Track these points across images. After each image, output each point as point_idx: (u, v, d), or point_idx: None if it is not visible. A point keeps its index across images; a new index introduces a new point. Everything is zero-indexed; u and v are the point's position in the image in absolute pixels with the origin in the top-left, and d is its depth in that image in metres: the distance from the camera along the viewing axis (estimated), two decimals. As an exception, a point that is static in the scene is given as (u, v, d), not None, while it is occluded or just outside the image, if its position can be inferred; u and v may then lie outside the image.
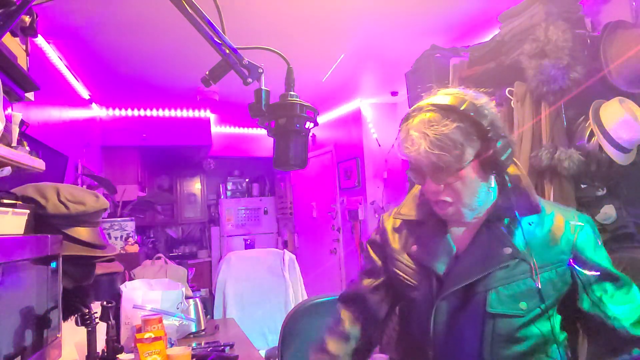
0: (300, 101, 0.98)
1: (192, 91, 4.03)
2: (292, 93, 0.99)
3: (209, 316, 2.53)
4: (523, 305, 0.96)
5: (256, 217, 6.31)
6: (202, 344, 2.05)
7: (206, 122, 5.14)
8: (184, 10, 0.94)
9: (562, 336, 1.03)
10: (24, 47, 1.38)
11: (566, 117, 2.00)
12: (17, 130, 1.38)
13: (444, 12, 2.68)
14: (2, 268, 0.90)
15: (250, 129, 5.81)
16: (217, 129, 5.55)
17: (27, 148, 1.39)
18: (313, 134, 5.42)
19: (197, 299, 2.38)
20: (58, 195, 1.31)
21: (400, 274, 1.11)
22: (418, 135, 0.95)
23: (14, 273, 0.97)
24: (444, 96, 0.99)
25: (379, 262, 1.19)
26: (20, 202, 1.19)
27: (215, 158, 6.08)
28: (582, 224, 1.02)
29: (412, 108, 1.02)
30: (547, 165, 1.91)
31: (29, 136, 2.03)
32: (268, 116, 0.99)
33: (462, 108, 0.95)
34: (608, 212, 1.88)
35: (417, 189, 1.17)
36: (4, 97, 1.17)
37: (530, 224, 1.01)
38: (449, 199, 0.99)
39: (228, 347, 2.00)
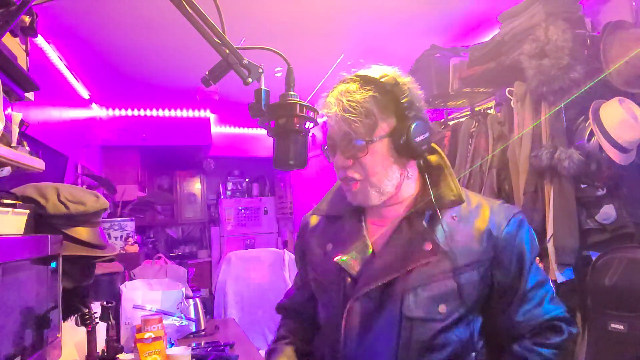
0: (300, 101, 0.98)
1: (192, 91, 4.03)
2: (292, 93, 0.99)
3: (209, 316, 2.53)
4: (442, 308, 0.88)
5: (256, 217, 6.31)
6: (202, 344, 2.05)
7: (206, 122, 5.14)
8: (184, 10, 0.94)
9: (479, 344, 0.94)
10: (24, 47, 1.38)
11: (566, 117, 2.00)
12: (17, 130, 1.38)
13: (444, 12, 2.68)
14: (2, 268, 0.90)
15: (250, 129, 5.81)
16: (217, 129, 5.55)
17: (27, 148, 1.39)
18: (313, 134, 5.42)
19: (197, 299, 2.38)
20: (58, 195, 1.31)
21: (316, 275, 1.04)
22: (333, 102, 0.91)
23: (14, 273, 0.97)
24: (369, 69, 0.95)
25: (303, 267, 1.13)
26: (20, 202, 1.19)
27: (215, 158, 6.08)
28: (508, 220, 0.94)
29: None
30: (547, 165, 1.91)
31: (29, 136, 2.03)
32: (268, 116, 0.99)
33: (381, 80, 0.91)
34: (608, 212, 1.88)
35: (338, 184, 1.10)
36: (4, 97, 1.17)
37: (453, 218, 0.94)
38: (356, 175, 0.92)
39: (228, 347, 2.00)
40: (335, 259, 0.97)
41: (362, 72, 0.95)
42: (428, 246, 0.90)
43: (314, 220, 1.12)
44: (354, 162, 0.93)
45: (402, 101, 0.91)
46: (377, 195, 0.94)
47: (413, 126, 0.90)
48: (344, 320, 0.93)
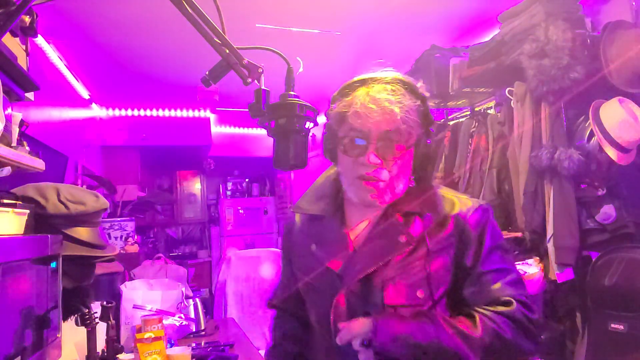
0: (300, 101, 0.98)
1: (192, 91, 4.03)
2: (292, 93, 0.99)
3: (209, 316, 2.53)
4: (420, 293, 0.93)
5: (256, 217, 6.31)
6: (202, 344, 2.05)
7: (206, 122, 5.14)
8: (184, 10, 0.94)
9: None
10: (24, 47, 1.38)
11: (566, 117, 2.00)
12: (17, 130, 1.38)
13: (444, 12, 2.68)
14: (2, 268, 0.90)
15: (250, 129, 5.81)
16: (217, 129, 5.54)
17: (27, 148, 1.39)
18: (313, 134, 5.41)
19: (197, 299, 2.38)
20: (58, 195, 1.31)
21: (302, 275, 1.07)
22: (385, 98, 0.92)
23: (14, 273, 0.97)
24: (398, 73, 0.99)
25: (288, 267, 1.16)
26: (20, 202, 1.19)
27: (215, 158, 6.08)
28: (475, 208, 0.99)
29: (362, 77, 0.99)
30: (547, 165, 1.91)
31: (29, 136, 2.03)
32: (268, 116, 0.99)
33: (421, 93, 0.97)
34: (608, 212, 1.88)
35: (319, 181, 1.14)
36: (4, 97, 1.17)
37: (425, 211, 0.99)
38: (384, 175, 0.94)
39: (228, 347, 2.00)
40: (320, 260, 1.01)
41: (395, 75, 0.97)
42: (403, 238, 0.95)
43: (298, 220, 1.15)
44: (385, 164, 0.94)
45: (429, 114, 0.98)
46: (390, 198, 0.98)
47: (430, 139, 0.98)
48: (332, 316, 0.97)
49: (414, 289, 0.93)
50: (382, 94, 0.93)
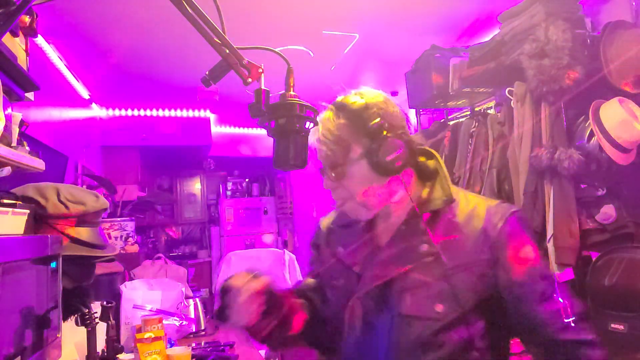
0: (300, 101, 0.98)
1: (192, 91, 4.03)
2: (292, 93, 0.99)
3: (209, 316, 2.53)
4: (439, 307, 0.89)
5: (256, 217, 6.31)
6: (202, 344, 2.05)
7: (206, 122, 5.13)
8: (184, 10, 0.94)
9: (482, 344, 0.92)
10: (24, 47, 1.38)
11: (566, 117, 2.00)
12: (17, 130, 1.38)
13: (444, 12, 2.68)
14: (2, 268, 0.90)
15: (250, 129, 5.81)
16: (217, 129, 5.54)
17: (27, 148, 1.39)
18: (313, 134, 5.40)
19: (197, 299, 2.38)
20: (58, 195, 1.31)
21: (329, 277, 1.09)
22: (314, 130, 0.97)
23: (14, 273, 0.97)
24: (348, 95, 1.00)
25: (317, 266, 1.17)
26: (20, 202, 1.19)
27: (215, 158, 6.08)
28: (505, 219, 0.93)
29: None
30: (547, 165, 1.91)
31: (29, 136, 2.03)
32: (268, 116, 0.99)
33: (352, 106, 0.97)
34: (608, 212, 1.88)
35: None
36: (4, 97, 1.17)
37: (451, 219, 0.96)
38: (341, 197, 0.99)
39: (228, 347, 2.00)
40: (345, 262, 1.03)
41: (339, 99, 1.00)
42: (424, 247, 0.93)
43: (327, 223, 1.18)
44: (337, 185, 0.98)
45: (372, 123, 0.95)
46: (366, 211, 0.99)
47: (381, 147, 0.94)
48: (346, 318, 0.98)
49: (433, 302, 0.90)
50: (316, 124, 0.98)
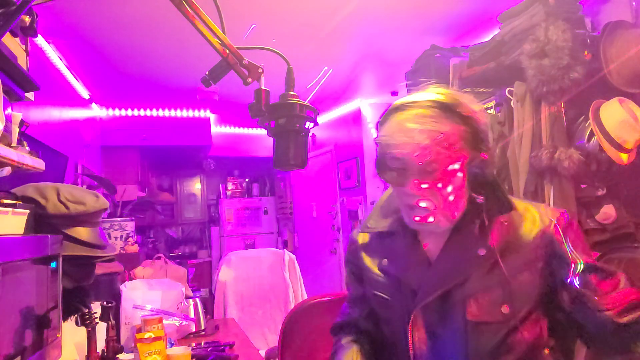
0: (300, 101, 0.98)
1: (192, 91, 4.03)
2: (292, 93, 0.99)
3: (209, 316, 2.53)
4: (505, 309, 0.89)
5: (256, 217, 6.31)
6: (202, 344, 2.05)
7: (206, 122, 5.13)
8: (184, 10, 0.94)
9: (551, 341, 0.94)
10: (24, 47, 1.37)
11: (566, 117, 2.00)
12: (17, 130, 1.38)
13: (444, 12, 2.68)
14: (2, 268, 0.90)
15: (250, 129, 5.81)
16: (217, 129, 5.55)
17: (27, 148, 1.39)
18: (313, 134, 5.42)
19: (197, 299, 2.38)
20: (58, 195, 1.31)
21: (375, 291, 1.05)
22: (416, 128, 0.89)
23: (14, 273, 0.97)
24: (439, 94, 0.93)
25: (359, 285, 1.13)
26: (20, 202, 1.19)
27: (215, 158, 6.08)
28: (557, 217, 0.96)
29: (400, 101, 0.95)
30: (547, 165, 1.91)
31: (29, 136, 2.03)
32: (268, 116, 0.99)
33: (458, 109, 0.91)
34: (608, 212, 1.88)
35: (383, 199, 1.12)
36: (4, 97, 1.17)
37: (503, 223, 0.95)
38: (430, 204, 0.91)
39: (228, 347, 2.00)
40: (395, 275, 1.00)
41: (434, 97, 0.92)
42: (482, 251, 0.92)
43: (363, 237, 1.13)
44: (427, 192, 0.91)
45: (477, 132, 0.92)
46: (446, 223, 0.94)
47: (487, 157, 0.93)
48: (410, 333, 0.95)
49: (498, 304, 0.90)
50: (411, 122, 0.90)
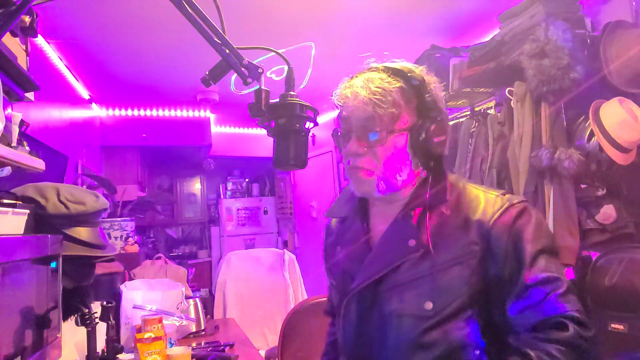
0: (300, 101, 0.98)
1: (192, 91, 4.02)
2: (292, 93, 0.99)
3: (209, 316, 2.53)
4: (429, 305, 0.84)
5: (256, 217, 6.31)
6: (202, 344, 2.05)
7: (206, 122, 5.14)
8: (184, 10, 0.94)
9: (482, 341, 0.86)
10: (24, 47, 1.38)
11: (566, 117, 2.00)
12: (17, 130, 1.38)
13: (444, 12, 2.68)
14: (2, 268, 0.90)
15: (250, 129, 5.81)
16: (217, 129, 5.55)
17: (27, 148, 1.39)
18: (313, 134, 5.41)
19: (197, 299, 2.38)
20: (58, 195, 1.31)
21: (330, 277, 1.07)
22: (360, 85, 0.90)
23: (14, 273, 0.97)
24: (395, 62, 0.95)
25: (329, 276, 1.14)
26: (20, 202, 1.19)
27: (215, 158, 6.08)
28: (503, 209, 0.87)
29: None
30: (547, 165, 1.91)
31: (29, 136, 2.03)
32: (268, 116, 0.99)
33: (409, 74, 0.92)
34: (608, 212, 1.88)
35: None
36: (4, 97, 1.17)
37: (444, 211, 0.90)
38: (368, 164, 0.91)
39: (228, 347, 2.00)
40: (342, 263, 1.01)
41: (389, 64, 0.94)
42: (412, 242, 0.89)
43: (332, 222, 1.15)
44: (368, 151, 0.91)
45: (427, 99, 0.91)
46: (383, 187, 0.92)
47: (434, 126, 0.90)
48: (342, 318, 0.97)
49: (423, 299, 0.85)
50: (359, 83, 0.91)
